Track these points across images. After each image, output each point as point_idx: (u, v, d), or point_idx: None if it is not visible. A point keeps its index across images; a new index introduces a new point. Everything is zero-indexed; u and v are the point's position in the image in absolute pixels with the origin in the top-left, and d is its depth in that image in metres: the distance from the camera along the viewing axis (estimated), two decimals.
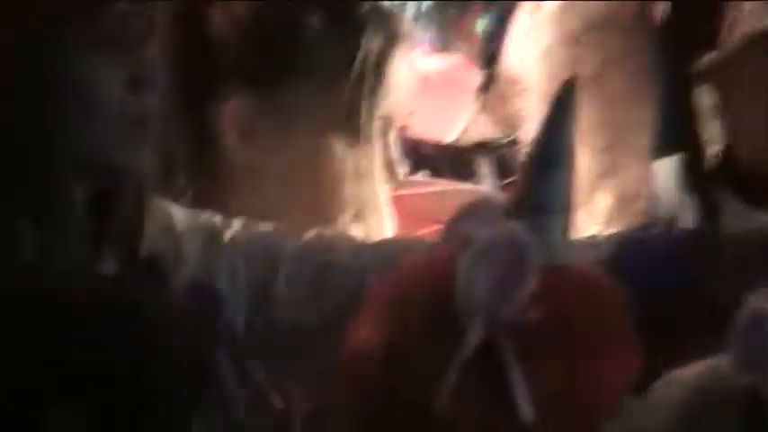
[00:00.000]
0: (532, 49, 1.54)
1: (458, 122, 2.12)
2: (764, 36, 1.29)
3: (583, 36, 1.41)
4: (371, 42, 1.43)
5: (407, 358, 1.21)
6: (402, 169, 1.52)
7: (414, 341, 1.22)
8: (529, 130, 1.63)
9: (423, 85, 1.72)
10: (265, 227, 1.34)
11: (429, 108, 1.95)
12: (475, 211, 1.30)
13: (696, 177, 1.39)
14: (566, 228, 1.28)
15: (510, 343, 1.19)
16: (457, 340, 1.19)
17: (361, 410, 1.22)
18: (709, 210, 1.36)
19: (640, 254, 1.33)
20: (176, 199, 1.34)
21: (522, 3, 1.74)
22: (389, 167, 1.45)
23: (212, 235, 1.33)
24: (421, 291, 1.22)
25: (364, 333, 1.24)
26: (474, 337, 1.17)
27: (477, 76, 2.17)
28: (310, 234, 1.35)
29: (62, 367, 1.19)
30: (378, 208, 1.46)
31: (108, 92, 1.23)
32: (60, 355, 1.19)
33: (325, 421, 1.31)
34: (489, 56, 1.96)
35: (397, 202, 1.47)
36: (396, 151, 1.48)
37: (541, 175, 1.29)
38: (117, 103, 1.22)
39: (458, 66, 2.31)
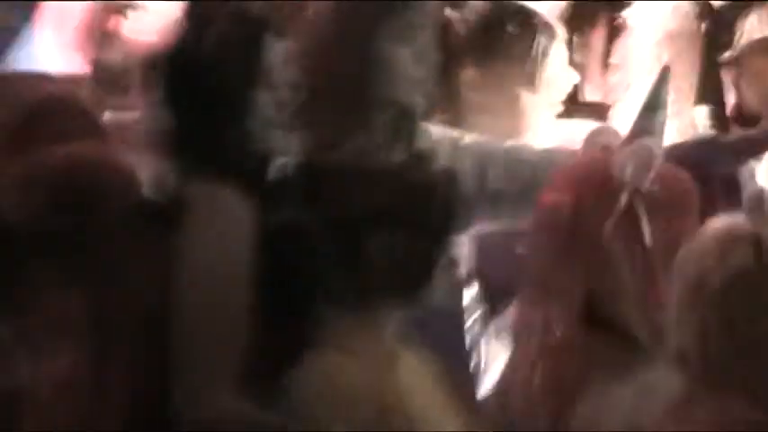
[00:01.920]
0: None
1: None
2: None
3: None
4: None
5: (584, 208, 2.11)
6: None
7: (588, 200, 2.13)
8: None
9: None
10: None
11: None
12: (599, 133, 2.26)
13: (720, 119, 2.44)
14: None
15: (643, 203, 2.10)
16: (614, 199, 2.09)
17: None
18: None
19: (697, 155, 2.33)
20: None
21: None
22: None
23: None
24: (592, 171, 2.16)
25: (554, 196, 2.16)
26: (624, 198, 2.08)
27: None
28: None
29: None
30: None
31: None
32: None
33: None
34: None
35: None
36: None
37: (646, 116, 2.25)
38: None
39: None
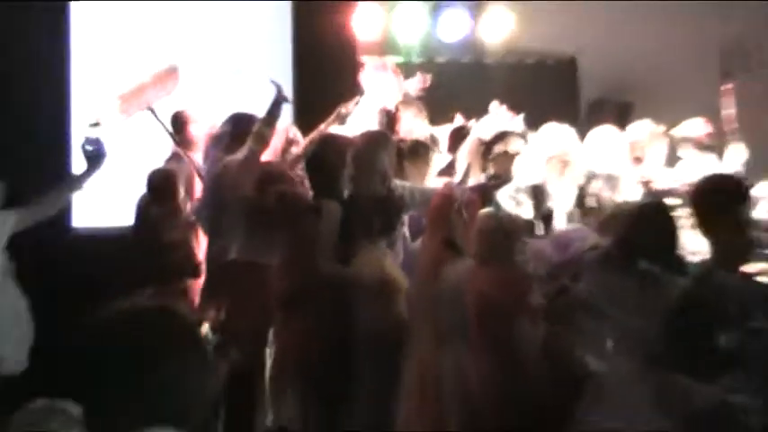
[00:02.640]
0: None
1: None
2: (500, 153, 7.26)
3: None
4: None
5: (443, 208, 6.68)
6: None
7: (445, 205, 6.70)
8: None
9: None
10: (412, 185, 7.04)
11: None
12: (449, 182, 6.90)
13: (488, 177, 7.19)
14: None
15: (462, 205, 6.72)
16: (453, 204, 6.67)
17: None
18: None
19: (479, 190, 6.99)
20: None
21: None
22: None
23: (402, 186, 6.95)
24: (446, 194, 6.68)
25: (434, 203, 6.69)
26: (457, 204, 6.72)
27: None
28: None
29: None
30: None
31: None
32: None
33: None
34: None
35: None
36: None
37: (464, 178, 6.98)
38: None
39: None
